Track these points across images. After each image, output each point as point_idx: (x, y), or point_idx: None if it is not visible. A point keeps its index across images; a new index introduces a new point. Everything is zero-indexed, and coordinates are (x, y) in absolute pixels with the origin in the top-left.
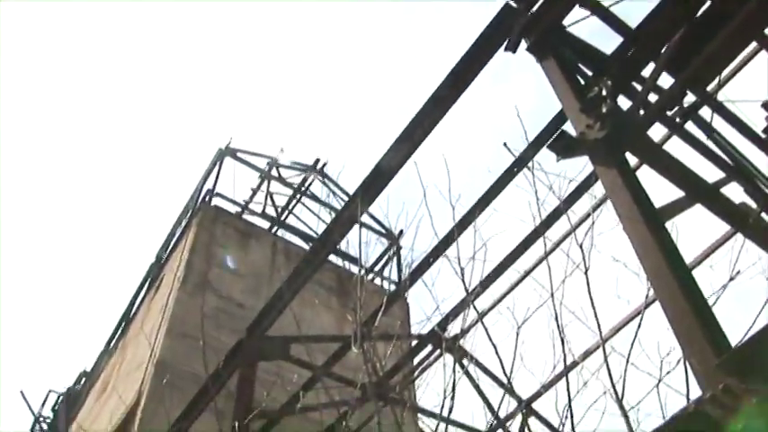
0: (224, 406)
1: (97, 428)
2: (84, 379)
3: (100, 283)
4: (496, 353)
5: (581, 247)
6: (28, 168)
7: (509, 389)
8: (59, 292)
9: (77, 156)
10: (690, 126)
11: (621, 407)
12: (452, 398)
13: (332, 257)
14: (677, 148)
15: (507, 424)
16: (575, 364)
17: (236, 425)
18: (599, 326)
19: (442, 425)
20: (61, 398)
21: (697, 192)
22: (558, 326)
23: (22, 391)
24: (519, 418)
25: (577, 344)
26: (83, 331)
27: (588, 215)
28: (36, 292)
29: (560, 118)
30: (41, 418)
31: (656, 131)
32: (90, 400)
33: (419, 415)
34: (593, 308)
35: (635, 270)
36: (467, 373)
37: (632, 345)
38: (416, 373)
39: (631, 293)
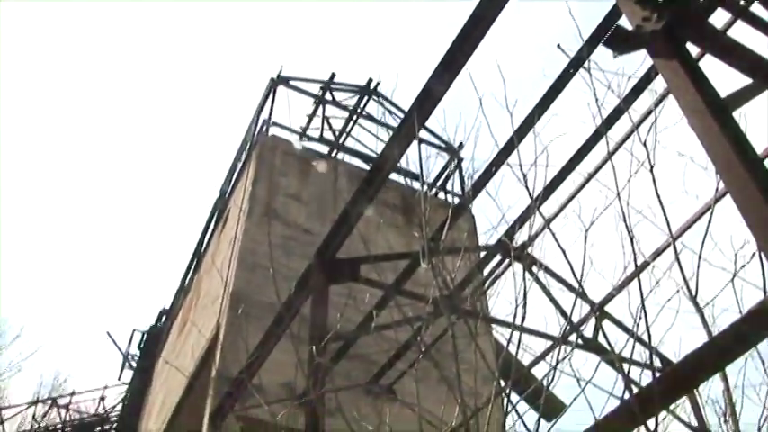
0: (300, 331)
1: (181, 363)
2: (164, 317)
3: (170, 225)
4: (566, 258)
5: (645, 144)
6: (98, 129)
7: (580, 293)
8: (136, 239)
9: (149, 112)
10: (756, 8)
11: (696, 304)
12: (524, 306)
13: (394, 176)
14: (742, 34)
15: (581, 328)
16: (646, 263)
17: (314, 348)
18: (668, 223)
19: (516, 333)
20: (145, 336)
21: (766, 77)
22: (626, 226)
23: (108, 332)
24: (592, 321)
25: (647, 243)
26: (159, 272)
27: (650, 111)
28: (115, 242)
29: (614, 13)
30: (129, 356)
31: (719, 17)
32: (172, 336)
33: (492, 325)
34: (661, 205)
35: (702, 164)
36: (537, 281)
37: (704, 240)
38: (487, 283)
39: (700, 188)
